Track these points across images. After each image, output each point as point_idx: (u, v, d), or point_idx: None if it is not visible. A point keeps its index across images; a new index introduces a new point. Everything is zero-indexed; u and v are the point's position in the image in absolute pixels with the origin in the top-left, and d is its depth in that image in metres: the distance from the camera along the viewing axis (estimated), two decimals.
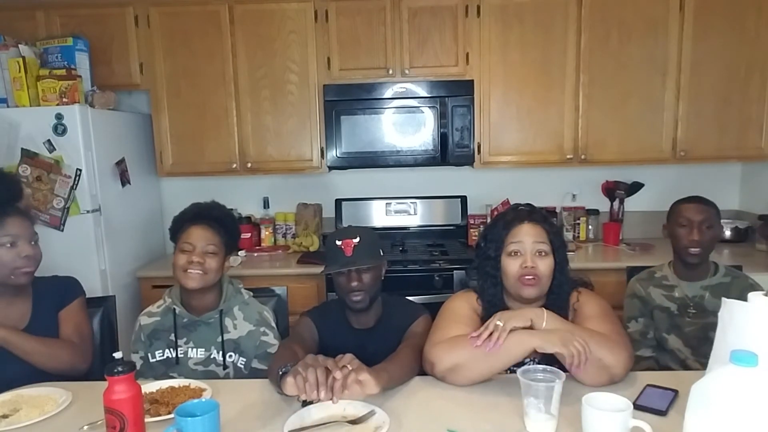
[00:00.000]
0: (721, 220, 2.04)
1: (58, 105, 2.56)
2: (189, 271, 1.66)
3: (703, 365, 1.84)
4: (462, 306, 1.59)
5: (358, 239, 1.62)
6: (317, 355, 1.33)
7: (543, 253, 1.51)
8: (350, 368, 1.28)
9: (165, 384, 1.47)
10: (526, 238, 1.51)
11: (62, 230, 2.57)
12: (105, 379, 1.13)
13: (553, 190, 3.34)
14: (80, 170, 2.55)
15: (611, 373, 1.38)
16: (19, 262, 1.58)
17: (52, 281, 1.76)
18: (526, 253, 1.50)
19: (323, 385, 1.22)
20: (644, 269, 2.22)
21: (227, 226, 1.77)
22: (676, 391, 1.33)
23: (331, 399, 1.23)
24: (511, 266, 1.51)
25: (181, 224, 1.74)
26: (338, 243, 1.62)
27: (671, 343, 1.92)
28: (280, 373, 1.31)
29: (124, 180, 2.88)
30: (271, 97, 3.01)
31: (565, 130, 3.00)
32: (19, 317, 1.65)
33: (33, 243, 1.64)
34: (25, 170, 2.52)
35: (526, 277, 1.49)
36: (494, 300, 1.57)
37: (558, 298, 1.55)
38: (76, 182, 2.54)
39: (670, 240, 2.00)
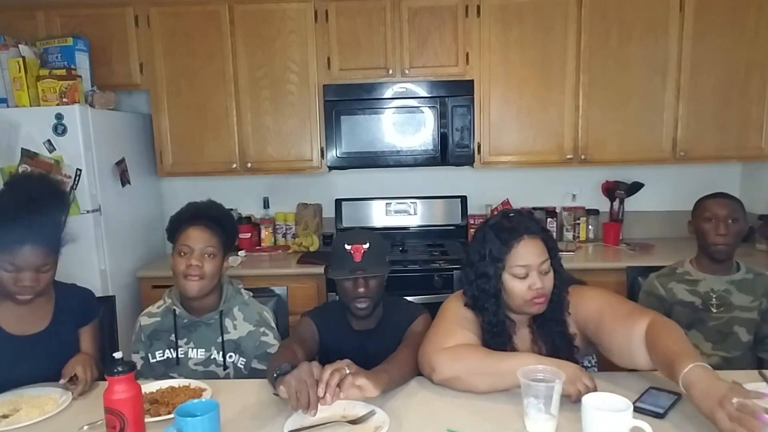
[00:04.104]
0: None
1: (58, 105, 2.56)
2: (188, 278, 1.64)
3: (724, 359, 1.85)
4: (461, 308, 1.54)
5: (368, 245, 1.60)
6: (312, 362, 1.32)
7: (548, 271, 1.45)
8: (347, 371, 1.28)
9: (165, 384, 1.47)
10: (532, 259, 1.42)
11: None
12: (105, 379, 1.13)
13: (553, 190, 3.34)
14: (80, 170, 2.55)
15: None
16: (16, 288, 1.53)
17: (74, 292, 1.75)
18: (534, 275, 1.42)
19: (314, 405, 1.21)
20: (644, 269, 2.23)
21: (225, 226, 1.75)
22: (678, 395, 1.31)
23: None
24: (518, 288, 1.43)
25: (178, 225, 1.72)
26: (347, 247, 1.60)
27: (690, 339, 1.92)
28: (276, 375, 1.31)
29: (124, 180, 2.88)
30: (271, 97, 3.01)
31: (565, 130, 3.00)
32: (40, 319, 1.64)
33: (43, 271, 1.55)
34: (25, 170, 2.52)
35: (537, 299, 1.42)
36: (495, 319, 1.48)
37: (556, 301, 1.50)
38: (76, 182, 2.54)
39: (696, 236, 2.00)
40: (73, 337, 1.70)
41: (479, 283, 1.48)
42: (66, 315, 1.68)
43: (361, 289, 1.60)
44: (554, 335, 1.49)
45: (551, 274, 1.46)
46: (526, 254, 1.43)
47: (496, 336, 1.48)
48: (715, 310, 1.91)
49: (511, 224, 1.47)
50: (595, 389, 1.26)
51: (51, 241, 1.56)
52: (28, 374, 1.53)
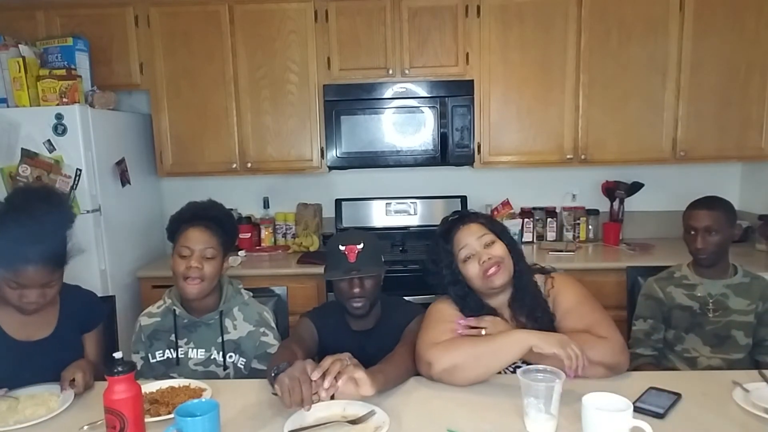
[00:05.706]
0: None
1: (58, 105, 2.56)
2: (188, 280, 1.64)
3: (725, 361, 1.86)
4: (447, 307, 1.58)
5: (362, 245, 1.61)
6: (307, 360, 1.32)
7: (491, 242, 1.54)
8: (347, 363, 1.29)
9: (165, 384, 1.48)
10: (470, 239, 1.54)
11: None
12: (105, 379, 1.13)
13: (553, 190, 3.34)
14: (80, 170, 2.55)
15: (607, 368, 1.40)
16: (20, 303, 1.52)
17: (79, 296, 1.73)
18: (478, 251, 1.53)
19: (308, 401, 1.22)
20: (644, 269, 2.23)
21: (225, 226, 1.75)
22: (679, 395, 1.31)
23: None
24: (471, 270, 1.53)
25: (178, 225, 1.71)
26: (342, 248, 1.61)
27: (687, 343, 1.92)
28: (273, 373, 1.31)
29: (124, 180, 2.88)
30: (271, 97, 3.01)
31: (565, 130, 3.00)
32: (45, 325, 1.63)
33: (49, 287, 1.53)
34: (25, 170, 2.52)
35: (490, 269, 1.51)
36: (474, 306, 1.56)
37: (521, 281, 1.56)
38: (76, 182, 2.54)
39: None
40: (78, 342, 1.70)
41: (447, 283, 1.58)
42: (71, 320, 1.67)
43: (357, 290, 1.61)
44: (531, 320, 1.52)
45: (498, 245, 1.54)
46: (464, 238, 1.55)
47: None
48: (712, 315, 1.90)
49: (447, 224, 1.62)
50: (583, 360, 1.28)
51: (55, 258, 1.53)
52: (32, 381, 1.51)
